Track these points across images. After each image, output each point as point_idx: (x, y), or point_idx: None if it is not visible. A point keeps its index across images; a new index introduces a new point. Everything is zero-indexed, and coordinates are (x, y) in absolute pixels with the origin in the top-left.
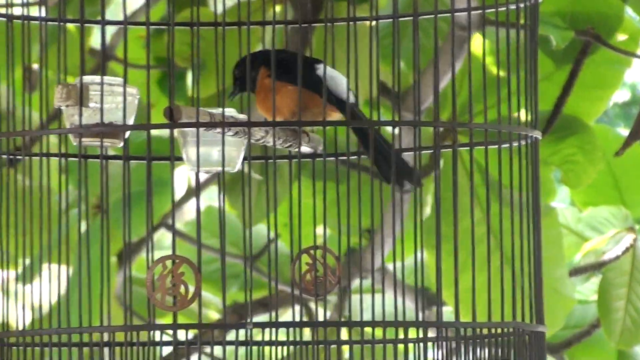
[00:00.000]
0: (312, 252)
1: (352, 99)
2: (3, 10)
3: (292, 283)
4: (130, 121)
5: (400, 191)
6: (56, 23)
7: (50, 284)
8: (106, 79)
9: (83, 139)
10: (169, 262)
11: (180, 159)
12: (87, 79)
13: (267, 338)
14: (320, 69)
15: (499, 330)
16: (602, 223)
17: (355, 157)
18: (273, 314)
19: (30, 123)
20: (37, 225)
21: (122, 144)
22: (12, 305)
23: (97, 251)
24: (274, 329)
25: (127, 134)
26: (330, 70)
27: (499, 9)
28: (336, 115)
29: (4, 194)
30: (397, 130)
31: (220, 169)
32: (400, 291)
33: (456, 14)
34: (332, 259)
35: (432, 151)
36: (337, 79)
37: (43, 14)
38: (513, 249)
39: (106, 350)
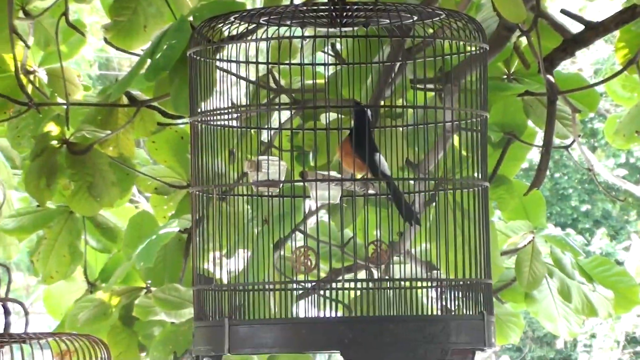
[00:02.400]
0: (375, 243)
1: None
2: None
3: (366, 258)
4: (282, 178)
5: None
6: (243, 128)
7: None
8: (271, 158)
9: (259, 188)
10: (302, 249)
11: (308, 196)
12: (261, 158)
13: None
14: (377, 156)
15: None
16: (517, 229)
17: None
18: (353, 275)
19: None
20: (234, 232)
21: (277, 190)
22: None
23: (267, 243)
24: (353, 283)
25: (280, 185)
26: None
27: (468, 120)
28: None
29: (218, 219)
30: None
31: (330, 201)
32: (414, 263)
33: (447, 124)
34: (385, 246)
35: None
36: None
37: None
38: (475, 242)
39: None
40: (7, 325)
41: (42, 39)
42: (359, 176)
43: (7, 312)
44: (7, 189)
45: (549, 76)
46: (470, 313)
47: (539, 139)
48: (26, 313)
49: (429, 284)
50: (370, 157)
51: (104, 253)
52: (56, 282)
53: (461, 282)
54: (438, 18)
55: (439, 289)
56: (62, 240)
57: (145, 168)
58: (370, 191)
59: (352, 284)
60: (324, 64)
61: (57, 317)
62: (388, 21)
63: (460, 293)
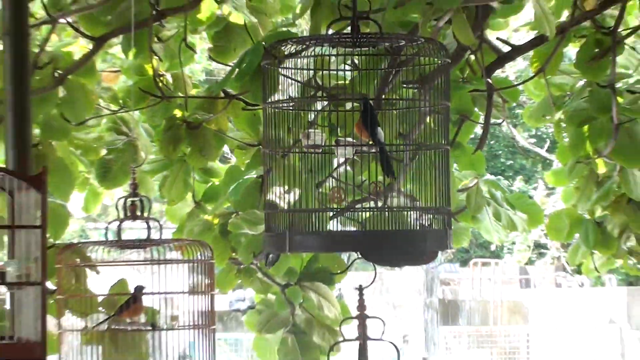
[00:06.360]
0: (375, 183)
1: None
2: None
3: (369, 193)
4: (323, 143)
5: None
6: (296, 111)
7: None
8: (316, 131)
9: (309, 150)
10: (335, 187)
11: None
12: (310, 130)
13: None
14: (378, 129)
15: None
16: (467, 176)
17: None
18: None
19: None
20: (290, 177)
21: (320, 150)
22: None
23: (311, 184)
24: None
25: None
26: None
27: (437, 107)
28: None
29: (280, 169)
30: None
31: (347, 157)
32: (402, 197)
33: (423, 109)
34: (381, 185)
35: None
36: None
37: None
38: (441, 183)
39: None
40: (148, 234)
41: (169, 55)
42: (362, 137)
43: (149, 227)
44: (147, 153)
45: (488, 79)
46: (438, 228)
47: (481, 119)
48: (160, 227)
49: (412, 210)
50: (372, 130)
51: (205, 183)
52: (176, 204)
53: (432, 209)
54: (418, 42)
55: (417, 213)
56: (179, 177)
57: (231, 134)
58: (372, 151)
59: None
60: (346, 70)
61: (175, 222)
62: (388, 44)
63: (431, 215)
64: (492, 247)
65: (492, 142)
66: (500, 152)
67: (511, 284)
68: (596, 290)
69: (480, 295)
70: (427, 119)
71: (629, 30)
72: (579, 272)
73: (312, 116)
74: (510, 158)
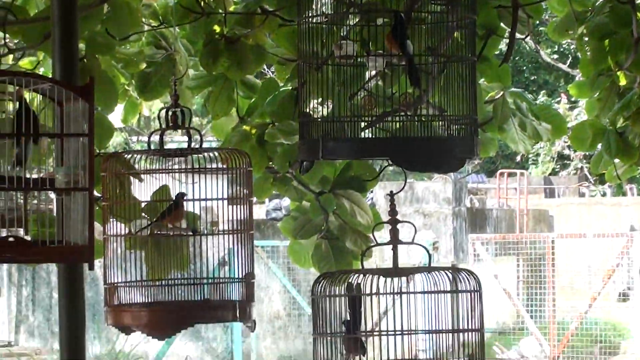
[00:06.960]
0: (405, 94)
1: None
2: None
3: (399, 104)
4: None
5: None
6: (330, 25)
7: None
8: (348, 42)
9: (341, 60)
10: (367, 97)
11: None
12: (342, 42)
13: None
14: (408, 42)
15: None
16: (494, 87)
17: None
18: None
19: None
20: (323, 89)
21: (352, 61)
22: None
23: (344, 95)
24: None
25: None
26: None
27: (464, 21)
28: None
29: (314, 81)
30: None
31: (379, 69)
32: (435, 111)
33: (450, 23)
34: (410, 97)
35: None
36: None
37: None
38: (468, 94)
39: None
40: (189, 143)
41: None
42: (392, 48)
43: (189, 136)
44: (186, 67)
45: None
46: (465, 135)
47: (506, 35)
48: (201, 137)
49: (440, 119)
50: (402, 42)
51: (248, 99)
52: (220, 118)
53: (460, 118)
54: None
55: (446, 122)
56: (223, 92)
57: (271, 50)
58: (402, 63)
59: (395, 119)
60: None
61: (221, 137)
62: None
63: (459, 125)
64: (518, 159)
65: (516, 58)
66: (524, 67)
67: (536, 193)
68: (617, 200)
69: (507, 205)
70: (455, 34)
71: None
72: (601, 182)
73: (345, 31)
74: (534, 73)
